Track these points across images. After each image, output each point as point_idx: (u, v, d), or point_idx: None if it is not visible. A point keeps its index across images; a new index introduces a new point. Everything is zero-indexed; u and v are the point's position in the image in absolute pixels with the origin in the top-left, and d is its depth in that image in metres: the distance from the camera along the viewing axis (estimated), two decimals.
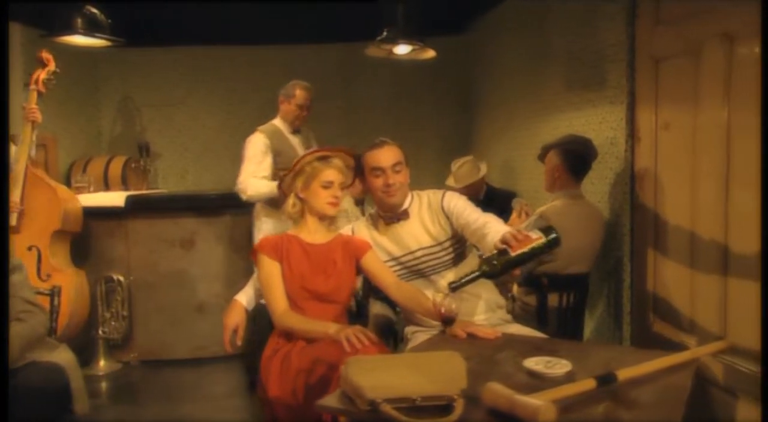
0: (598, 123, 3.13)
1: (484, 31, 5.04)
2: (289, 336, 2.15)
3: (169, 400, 3.70)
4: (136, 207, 4.14)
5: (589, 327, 3.27)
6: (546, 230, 1.84)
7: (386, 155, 2.27)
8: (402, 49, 3.47)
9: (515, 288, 3.02)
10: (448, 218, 2.32)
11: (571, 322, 2.88)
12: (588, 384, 1.37)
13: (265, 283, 2.20)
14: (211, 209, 4.24)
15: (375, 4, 3.66)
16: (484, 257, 1.88)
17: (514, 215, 3.12)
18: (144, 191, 4.64)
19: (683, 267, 2.55)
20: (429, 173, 4.75)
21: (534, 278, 2.82)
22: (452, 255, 2.34)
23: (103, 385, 3.96)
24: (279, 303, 2.16)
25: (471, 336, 1.94)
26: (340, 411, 1.36)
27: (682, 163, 2.52)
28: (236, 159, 3.69)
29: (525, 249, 1.77)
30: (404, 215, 2.34)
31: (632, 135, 2.86)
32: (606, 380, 1.39)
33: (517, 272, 1.95)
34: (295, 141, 3.70)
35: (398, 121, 5.39)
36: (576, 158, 2.86)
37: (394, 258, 2.35)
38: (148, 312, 4.23)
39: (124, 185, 4.73)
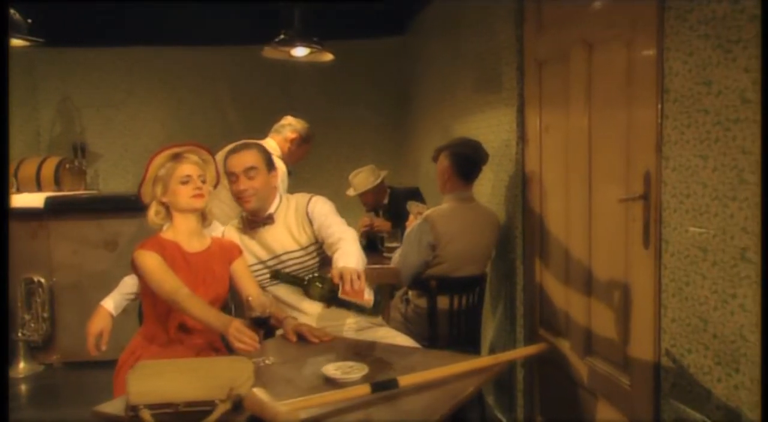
0: (497, 125, 3.12)
1: (419, 32, 5.04)
2: (151, 339, 2.13)
3: (90, 401, 3.66)
4: (56, 209, 4.12)
5: (490, 330, 3.27)
6: (377, 296, 1.89)
7: (239, 160, 2.22)
8: (299, 52, 3.47)
9: (409, 291, 3.02)
10: (311, 223, 2.31)
11: (464, 325, 2.88)
12: (362, 389, 1.37)
13: (156, 276, 2.02)
14: (134, 210, 4.17)
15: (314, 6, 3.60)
16: (315, 276, 1.92)
17: (411, 217, 3.12)
18: (67, 193, 4.61)
19: (560, 270, 2.55)
20: None
21: (423, 281, 2.82)
22: (317, 260, 2.34)
23: (23, 388, 3.95)
24: (179, 287, 1.99)
25: (301, 339, 1.93)
26: (108, 416, 1.36)
27: (560, 165, 2.52)
28: None
29: (349, 300, 1.81)
30: (269, 219, 2.32)
31: (522, 138, 2.87)
32: (383, 386, 1.39)
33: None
34: None
35: (335, 121, 5.38)
36: (464, 160, 2.86)
37: (262, 262, 2.34)
38: (71, 314, 4.19)
39: (57, 186, 4.70)
